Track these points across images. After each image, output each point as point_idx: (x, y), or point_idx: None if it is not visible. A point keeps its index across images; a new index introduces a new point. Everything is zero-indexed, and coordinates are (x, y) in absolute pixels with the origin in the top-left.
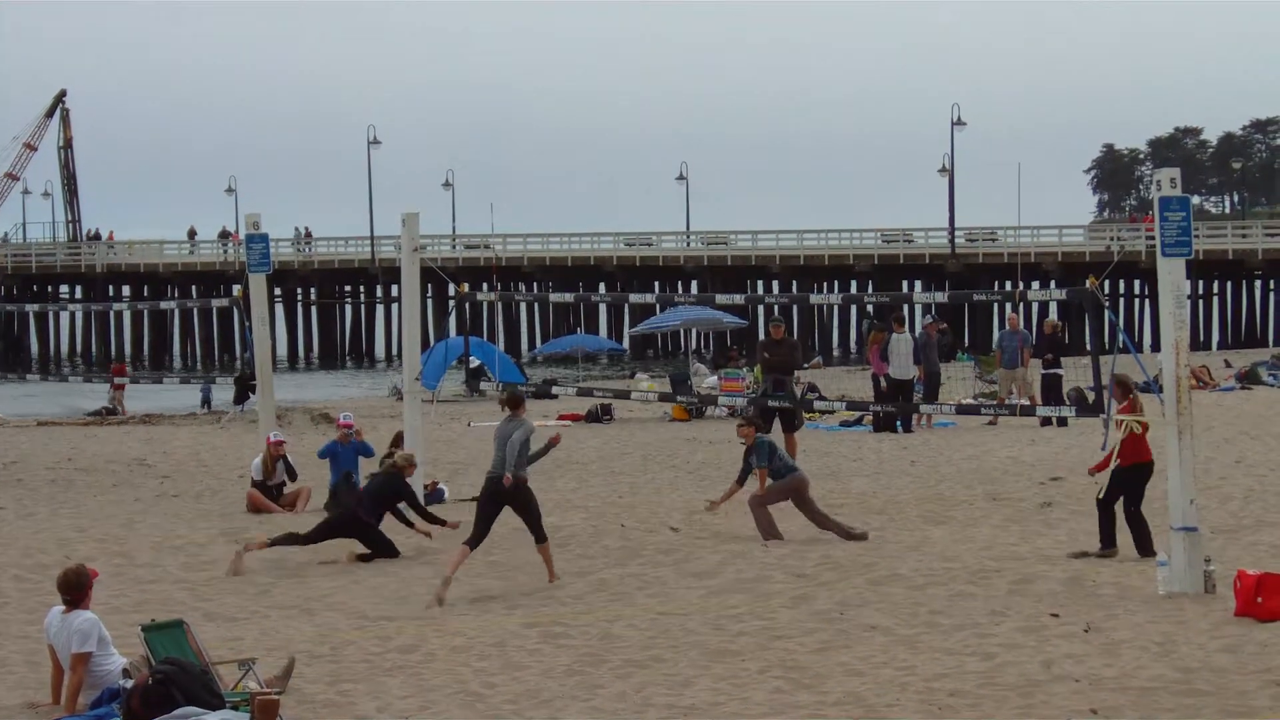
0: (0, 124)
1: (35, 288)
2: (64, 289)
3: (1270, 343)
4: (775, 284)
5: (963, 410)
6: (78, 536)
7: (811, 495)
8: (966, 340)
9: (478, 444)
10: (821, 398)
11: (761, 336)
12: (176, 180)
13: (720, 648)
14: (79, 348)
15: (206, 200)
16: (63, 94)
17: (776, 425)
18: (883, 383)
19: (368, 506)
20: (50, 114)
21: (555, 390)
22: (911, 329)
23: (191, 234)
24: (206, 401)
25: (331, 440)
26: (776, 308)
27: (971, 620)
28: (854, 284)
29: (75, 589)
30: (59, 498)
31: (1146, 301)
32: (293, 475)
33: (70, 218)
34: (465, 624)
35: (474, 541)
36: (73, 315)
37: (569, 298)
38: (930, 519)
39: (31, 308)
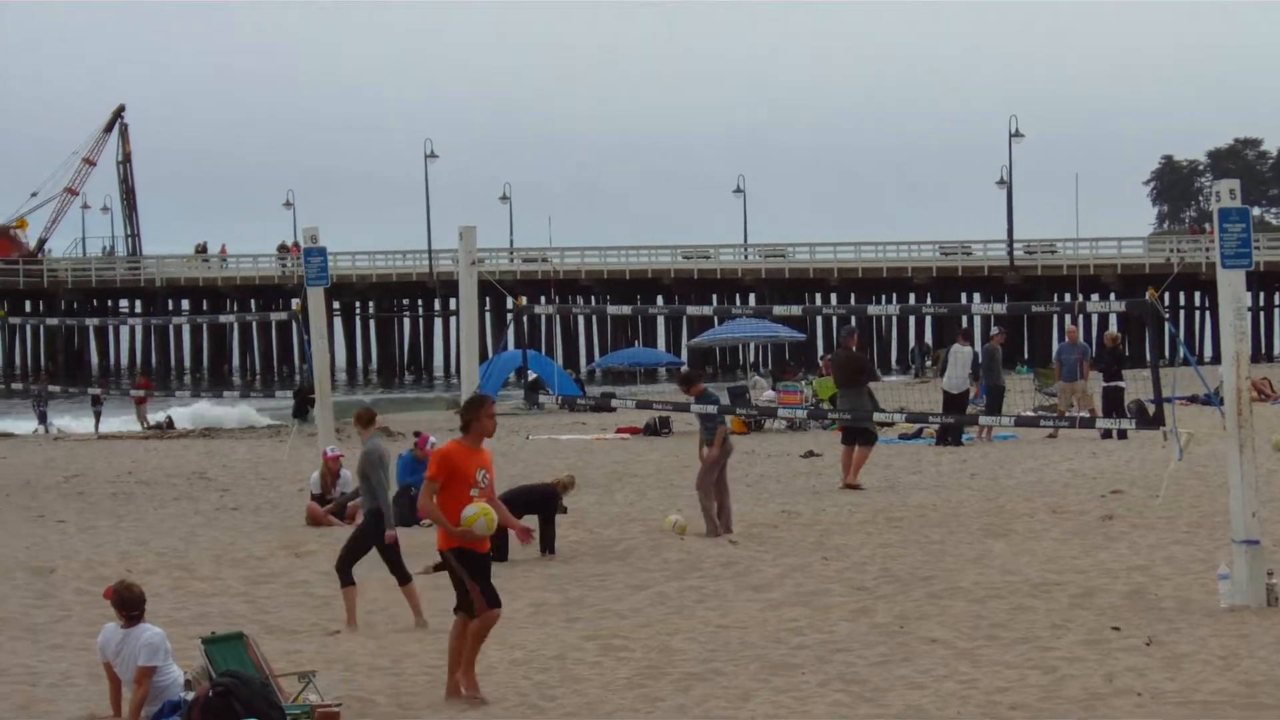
0: (59, 139)
1: (95, 302)
2: (123, 303)
3: None
4: (833, 296)
5: (1023, 423)
6: (139, 549)
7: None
8: (1025, 352)
9: (536, 457)
10: (880, 410)
11: (823, 349)
12: (236, 194)
13: (780, 661)
14: (138, 361)
15: (265, 214)
16: (121, 109)
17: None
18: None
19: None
20: (109, 129)
21: (615, 403)
22: (973, 341)
23: (200, 249)
24: (43, 417)
25: (408, 454)
26: (850, 318)
27: (1033, 633)
28: (912, 296)
29: (136, 604)
30: (120, 511)
31: (1207, 314)
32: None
33: (129, 232)
34: (525, 637)
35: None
36: (132, 329)
37: (627, 310)
38: (991, 532)
39: (92, 321)
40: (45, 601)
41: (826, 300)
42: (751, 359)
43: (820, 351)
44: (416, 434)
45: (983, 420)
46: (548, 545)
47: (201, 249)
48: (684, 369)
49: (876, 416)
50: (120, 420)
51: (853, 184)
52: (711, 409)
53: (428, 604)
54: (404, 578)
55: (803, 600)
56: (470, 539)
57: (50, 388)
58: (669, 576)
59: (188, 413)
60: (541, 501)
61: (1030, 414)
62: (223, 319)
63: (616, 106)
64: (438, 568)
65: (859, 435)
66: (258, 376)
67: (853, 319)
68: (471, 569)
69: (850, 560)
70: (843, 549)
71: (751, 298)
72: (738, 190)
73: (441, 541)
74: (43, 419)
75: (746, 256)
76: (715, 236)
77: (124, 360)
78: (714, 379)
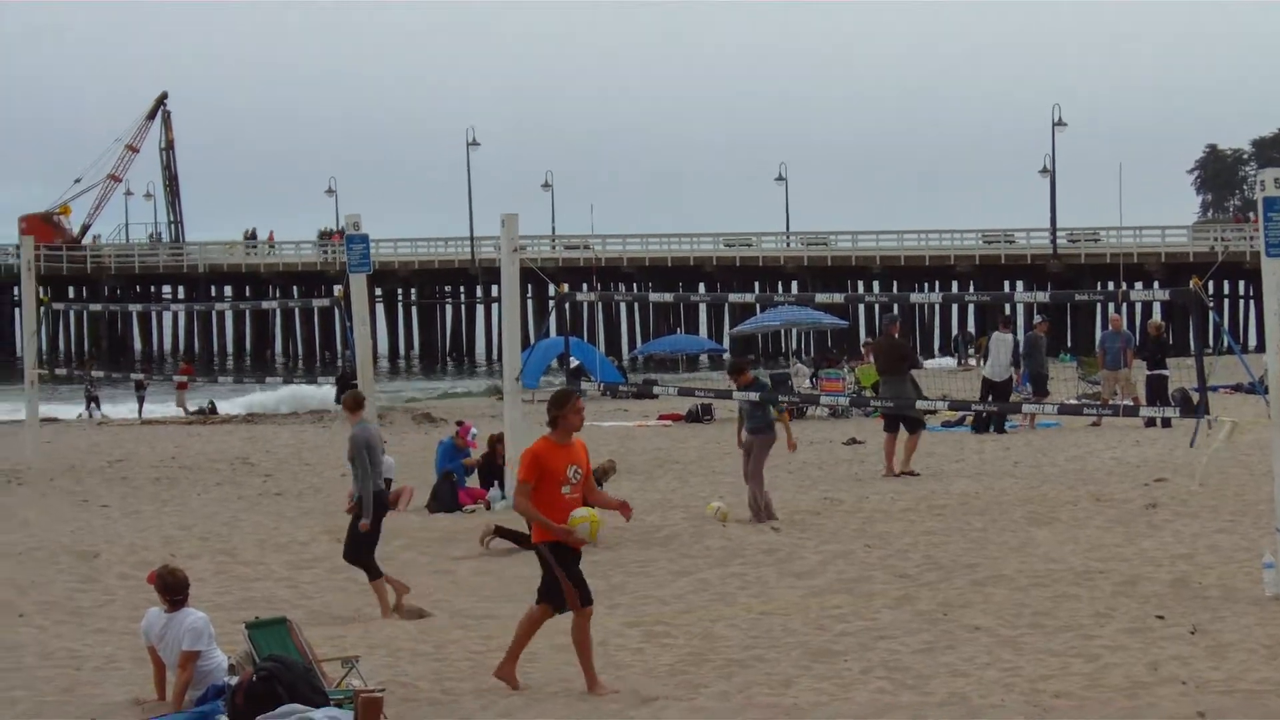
0: (103, 126)
1: (139, 288)
2: (166, 289)
3: None
4: (875, 284)
5: (1065, 411)
6: (182, 535)
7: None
8: (1069, 341)
9: None
10: (922, 396)
11: (865, 336)
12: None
13: (822, 648)
14: (181, 346)
15: (307, 202)
16: (164, 96)
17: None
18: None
19: None
20: (151, 116)
21: (656, 390)
22: (1016, 330)
23: (251, 236)
24: (95, 401)
25: (449, 441)
26: (892, 306)
27: (1076, 621)
28: (955, 284)
29: (180, 588)
30: (163, 496)
31: (1251, 302)
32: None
33: (172, 218)
34: (567, 623)
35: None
36: (175, 315)
37: (669, 298)
38: (1034, 520)
39: (135, 308)
40: (90, 586)
41: (869, 288)
42: (793, 346)
43: (862, 338)
44: (459, 423)
45: (1026, 408)
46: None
47: (251, 235)
48: (727, 357)
49: (919, 403)
50: (164, 406)
51: (895, 172)
52: (753, 396)
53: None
54: (373, 573)
55: (845, 587)
56: (571, 540)
57: (95, 373)
58: (711, 563)
59: (243, 402)
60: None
61: (1074, 402)
62: (265, 305)
63: (659, 93)
64: (486, 540)
65: (906, 422)
66: (300, 362)
67: (895, 307)
68: (566, 566)
69: (893, 547)
70: (885, 536)
71: (794, 285)
72: (780, 178)
73: (536, 534)
74: (95, 403)
75: (789, 244)
76: (757, 224)
77: (167, 346)
78: (755, 367)
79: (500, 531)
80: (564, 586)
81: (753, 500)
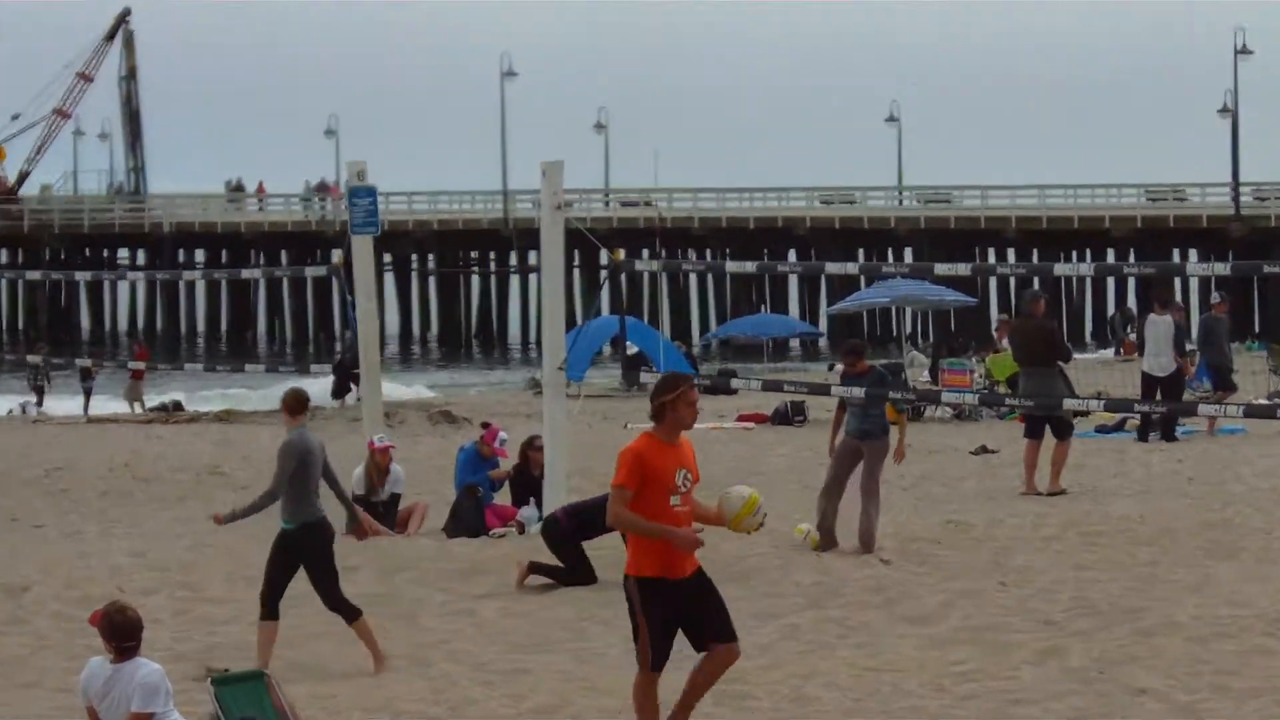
0: (49, 49)
1: (89, 251)
2: (123, 253)
3: None
4: (1011, 252)
5: (1253, 413)
6: (134, 563)
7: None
8: (1256, 324)
9: None
10: (1073, 394)
11: (999, 317)
12: (264, 120)
13: (943, 713)
14: (140, 325)
15: (301, 145)
16: (126, 13)
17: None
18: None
19: (579, 513)
20: (110, 37)
21: (735, 383)
22: (1187, 310)
23: (237, 188)
24: (40, 393)
25: (472, 447)
26: (1033, 279)
27: (1270, 684)
28: (1111, 253)
29: (130, 633)
30: (112, 513)
31: None
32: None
33: (132, 164)
34: (619, 680)
35: (271, 611)
36: (133, 286)
37: (750, 268)
38: (1214, 552)
39: (83, 276)
40: (16, 628)
41: (1002, 257)
42: (907, 329)
43: (994, 320)
44: (485, 424)
45: (1203, 410)
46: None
47: (236, 188)
48: (824, 343)
49: (1068, 403)
50: (116, 400)
51: (1035, 113)
52: (849, 391)
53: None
54: (345, 608)
55: (973, 637)
56: (685, 545)
57: (42, 358)
58: (803, 604)
59: (216, 396)
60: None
61: (1264, 402)
62: (246, 274)
63: (739, 15)
64: (522, 578)
65: (1054, 426)
66: (289, 347)
67: (1036, 280)
68: (653, 613)
69: (1034, 586)
70: (1025, 571)
71: (907, 253)
72: (891, 119)
73: (631, 564)
74: (39, 396)
75: (901, 202)
76: (862, 177)
77: (122, 325)
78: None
79: (535, 567)
80: (641, 635)
81: (865, 525)
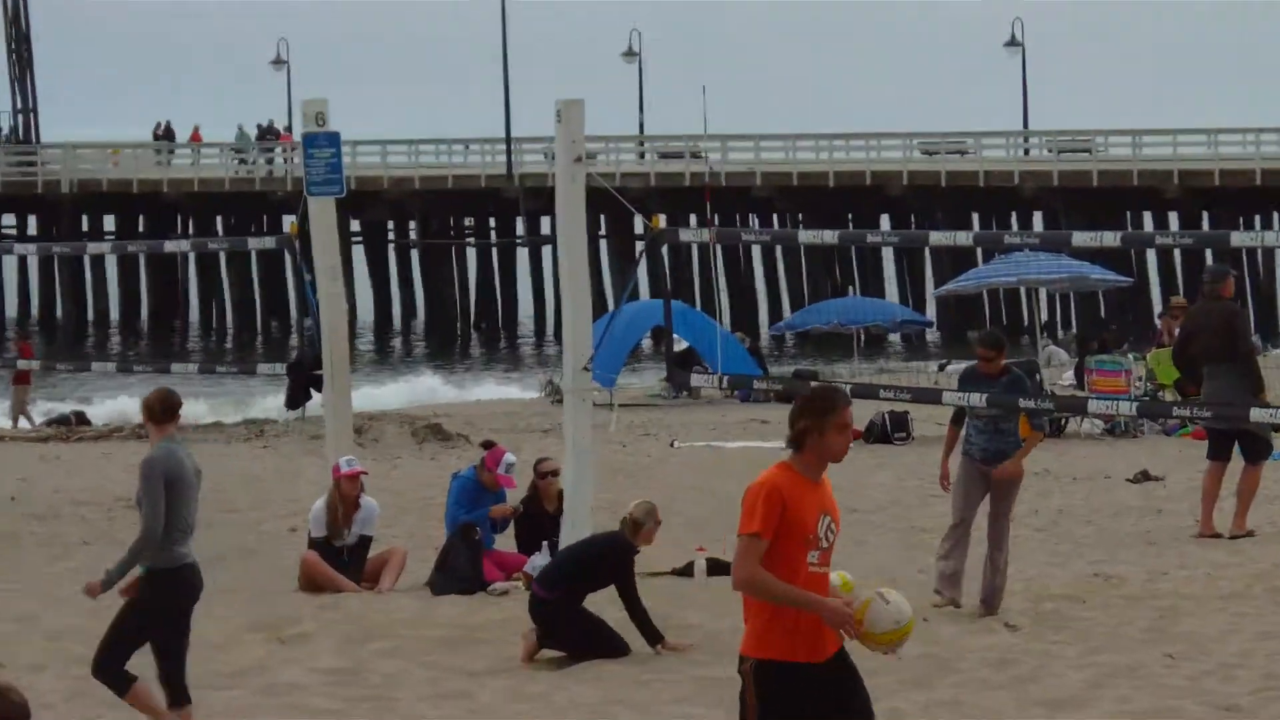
0: None
1: None
2: (9, 220)
3: None
4: (1172, 216)
5: None
6: (20, 630)
7: None
8: None
9: (685, 474)
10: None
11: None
12: (190, 48)
13: None
14: (34, 310)
15: (242, 78)
16: None
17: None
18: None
19: (556, 577)
20: None
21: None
22: None
23: (164, 135)
24: None
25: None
26: (1204, 252)
27: None
28: None
29: None
30: None
31: None
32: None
33: (20, 105)
34: None
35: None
36: (23, 261)
37: (832, 238)
38: None
39: None
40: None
41: (1161, 223)
42: (1042, 317)
43: (1157, 306)
44: (486, 444)
45: None
46: (646, 631)
47: (163, 135)
48: (933, 335)
49: (1257, 414)
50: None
51: (1202, 39)
52: (965, 397)
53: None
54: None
55: None
56: (836, 622)
57: None
58: (906, 682)
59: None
60: (615, 564)
61: None
62: (171, 247)
63: None
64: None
65: (1245, 445)
66: (229, 339)
67: (1209, 254)
68: (773, 708)
69: (1212, 660)
70: (1198, 640)
71: (1037, 218)
72: (1013, 43)
73: (750, 642)
74: None
75: (1027, 151)
76: (975, 119)
77: (9, 312)
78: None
79: (546, 638)
80: None
81: (989, 579)
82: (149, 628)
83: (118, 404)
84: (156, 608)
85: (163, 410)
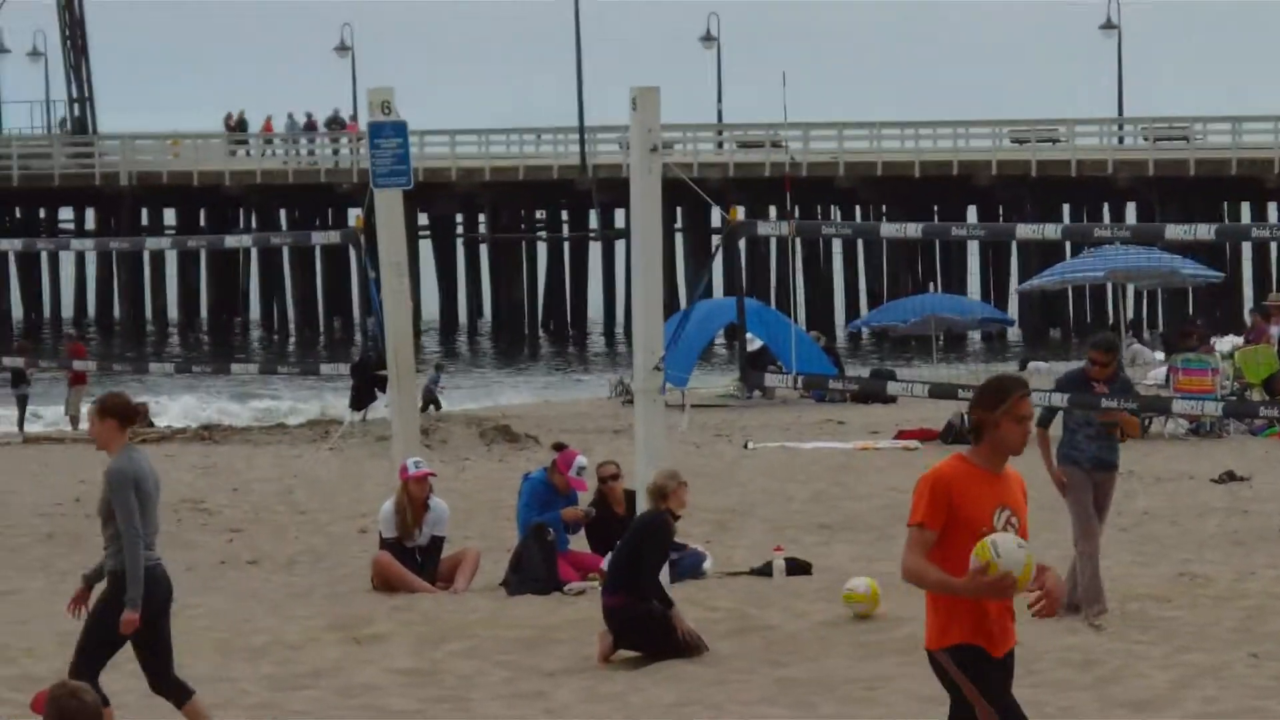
0: None
1: (20, 211)
2: (66, 214)
3: None
4: (1272, 207)
5: None
6: None
7: None
8: None
9: (760, 476)
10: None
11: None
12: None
13: None
14: (91, 309)
15: (306, 65)
16: None
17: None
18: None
19: (616, 581)
20: None
21: (893, 388)
22: None
23: (237, 125)
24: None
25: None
26: (1277, 246)
27: None
28: None
29: None
30: (58, 564)
31: None
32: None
33: (77, 93)
34: None
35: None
36: (79, 257)
37: (915, 231)
38: None
39: (12, 245)
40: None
41: (1260, 215)
42: (1129, 313)
43: (1249, 301)
44: (557, 446)
45: None
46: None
47: (235, 125)
48: (1014, 333)
49: None
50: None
51: None
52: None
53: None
54: (176, 689)
55: None
56: (995, 594)
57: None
58: None
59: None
60: (656, 537)
61: None
62: (232, 242)
63: None
64: (606, 652)
65: None
66: (291, 338)
67: None
68: (985, 680)
69: None
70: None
71: (1129, 209)
72: (1109, 25)
73: (933, 635)
74: (22, 407)
75: (1121, 140)
76: (1066, 106)
77: (65, 310)
78: (1065, 347)
79: (621, 641)
80: (979, 710)
81: (1081, 578)
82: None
83: (179, 405)
84: (110, 612)
85: (127, 415)
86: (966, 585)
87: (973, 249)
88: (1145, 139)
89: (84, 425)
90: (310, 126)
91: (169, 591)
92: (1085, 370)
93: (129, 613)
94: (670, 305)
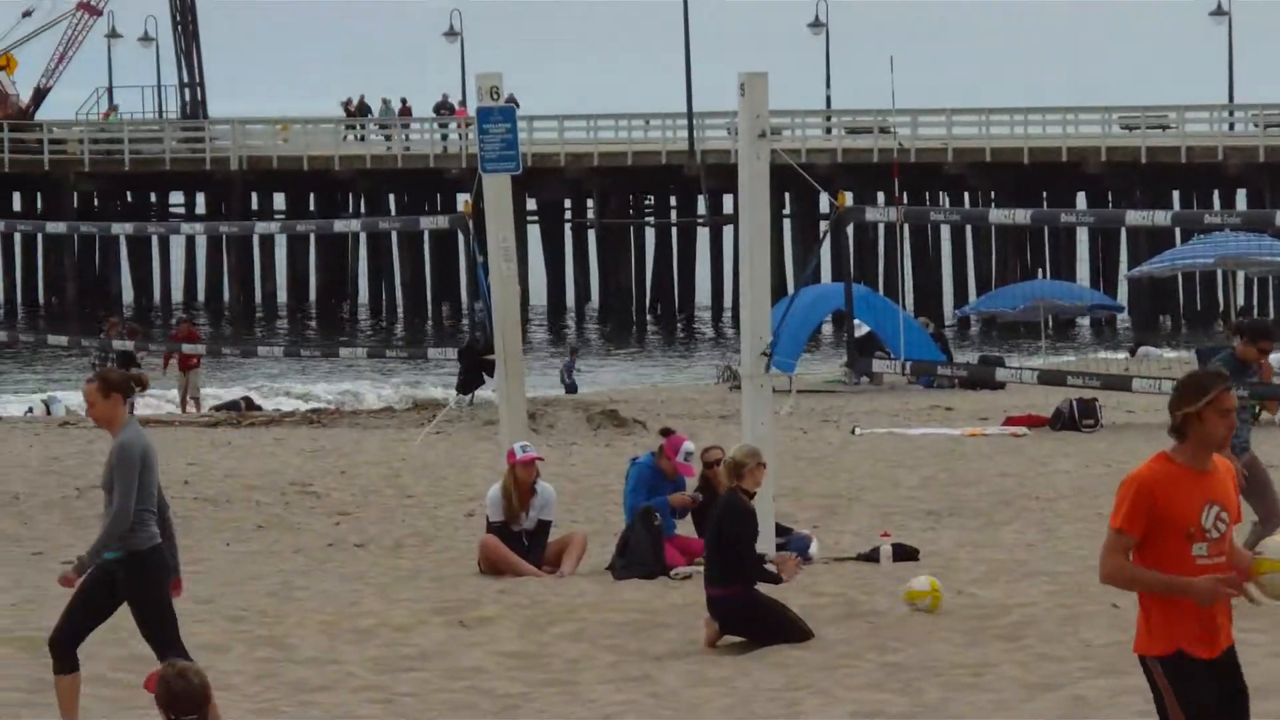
0: None
1: (131, 195)
2: (177, 198)
3: None
4: None
5: None
6: (200, 609)
7: None
8: None
9: (867, 462)
10: None
11: None
12: (359, 19)
13: None
14: (200, 293)
15: (414, 51)
16: None
17: None
18: None
19: (713, 571)
20: None
21: (1001, 375)
22: None
23: (358, 110)
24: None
25: (648, 460)
26: None
27: None
28: None
29: (193, 704)
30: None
31: None
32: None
33: (187, 79)
34: None
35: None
36: (190, 241)
37: (1024, 217)
38: None
39: (123, 229)
40: (43, 695)
41: None
42: (1238, 301)
43: None
44: (665, 432)
45: None
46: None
47: (356, 110)
48: (1124, 318)
49: None
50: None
51: None
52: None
53: None
54: (67, 662)
55: None
56: (1204, 597)
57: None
58: (1093, 670)
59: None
60: (737, 518)
61: None
62: (341, 227)
63: None
64: (712, 637)
65: None
66: (399, 323)
67: None
68: (1189, 694)
69: None
70: None
71: (1241, 196)
72: (1219, 11)
73: (1143, 640)
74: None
75: (1232, 126)
76: (1176, 93)
77: (176, 295)
78: (1175, 333)
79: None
80: None
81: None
82: (106, 612)
83: (287, 387)
84: (135, 589)
85: (128, 390)
86: (1178, 585)
87: (1081, 235)
88: (1255, 125)
89: (193, 409)
90: (405, 112)
91: (167, 567)
92: (1235, 354)
93: (69, 573)
94: (778, 291)
